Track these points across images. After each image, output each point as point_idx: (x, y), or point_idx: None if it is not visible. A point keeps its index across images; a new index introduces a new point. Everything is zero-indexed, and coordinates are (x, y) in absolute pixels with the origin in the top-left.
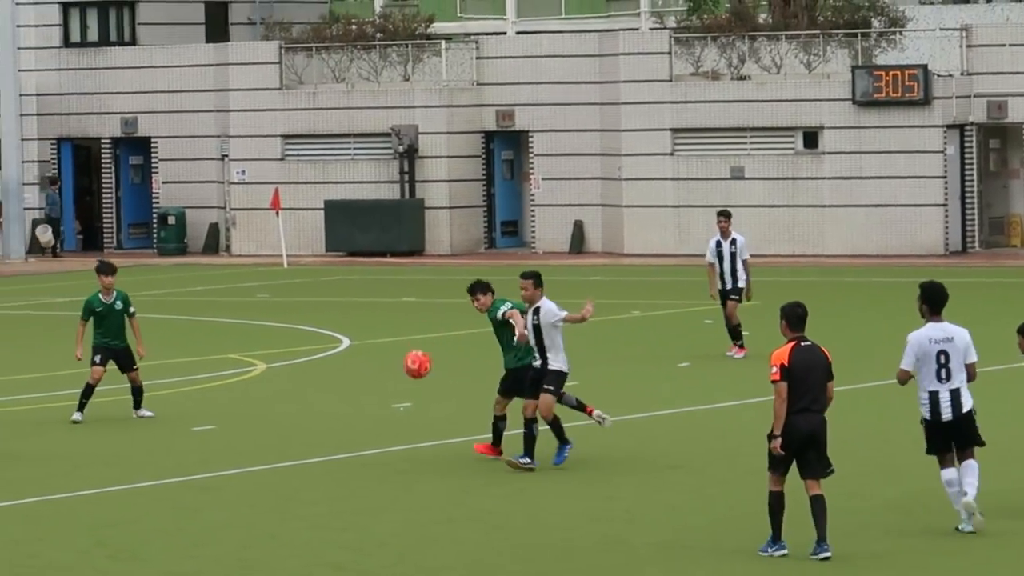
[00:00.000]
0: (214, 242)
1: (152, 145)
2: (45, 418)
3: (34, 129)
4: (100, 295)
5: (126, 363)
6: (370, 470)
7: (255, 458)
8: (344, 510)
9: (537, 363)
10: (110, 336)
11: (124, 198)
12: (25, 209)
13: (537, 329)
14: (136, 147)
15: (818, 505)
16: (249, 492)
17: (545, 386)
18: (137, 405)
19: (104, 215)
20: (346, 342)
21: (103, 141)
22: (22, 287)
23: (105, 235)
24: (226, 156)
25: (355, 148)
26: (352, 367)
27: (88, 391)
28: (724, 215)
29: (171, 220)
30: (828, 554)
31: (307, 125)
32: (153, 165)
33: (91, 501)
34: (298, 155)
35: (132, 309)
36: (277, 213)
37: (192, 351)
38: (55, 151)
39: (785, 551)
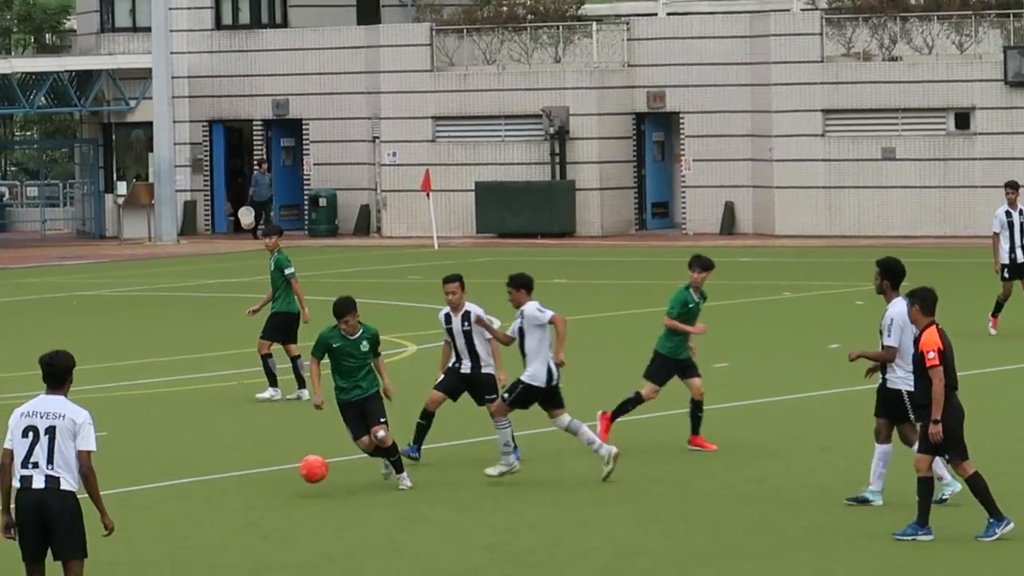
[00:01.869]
0: (365, 223)
1: (303, 127)
2: (197, 400)
3: (186, 111)
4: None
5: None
6: (522, 450)
7: (404, 440)
8: (493, 492)
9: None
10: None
11: (275, 180)
12: (177, 191)
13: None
14: (287, 129)
15: (977, 484)
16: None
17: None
18: (300, 384)
19: (250, 197)
20: (496, 323)
21: (254, 123)
22: (174, 268)
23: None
24: (377, 138)
25: (506, 130)
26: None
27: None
28: (1011, 186)
29: (322, 202)
30: (1011, 525)
31: (458, 107)
32: (304, 147)
33: (243, 482)
34: (449, 137)
35: (291, 271)
36: (428, 195)
37: None
38: (207, 133)
39: (931, 536)
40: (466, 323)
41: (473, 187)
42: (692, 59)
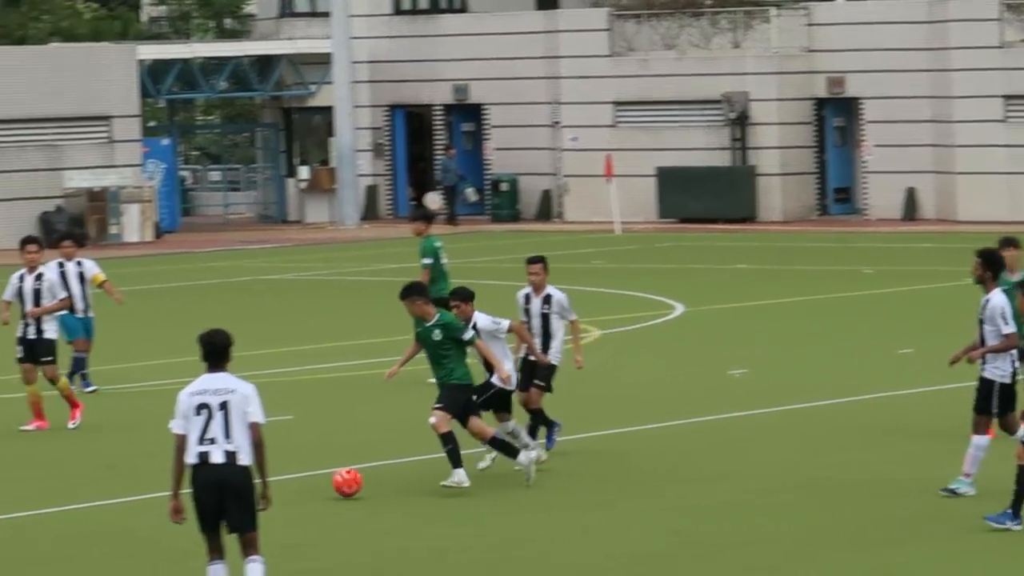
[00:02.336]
0: (546, 209)
1: (483, 112)
2: (381, 383)
3: (367, 96)
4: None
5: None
6: (704, 437)
7: (590, 424)
8: (680, 477)
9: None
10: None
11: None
12: (358, 176)
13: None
14: (468, 114)
15: None
16: (585, 458)
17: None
18: None
19: (436, 182)
20: (679, 308)
21: (435, 108)
22: (356, 253)
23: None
24: (558, 123)
25: (686, 115)
26: (686, 333)
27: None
28: None
29: (504, 187)
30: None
31: (638, 92)
32: (485, 132)
33: (427, 465)
34: (629, 122)
35: (427, 262)
36: (609, 180)
37: None
38: (388, 118)
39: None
40: (546, 305)
41: (654, 172)
42: (871, 45)
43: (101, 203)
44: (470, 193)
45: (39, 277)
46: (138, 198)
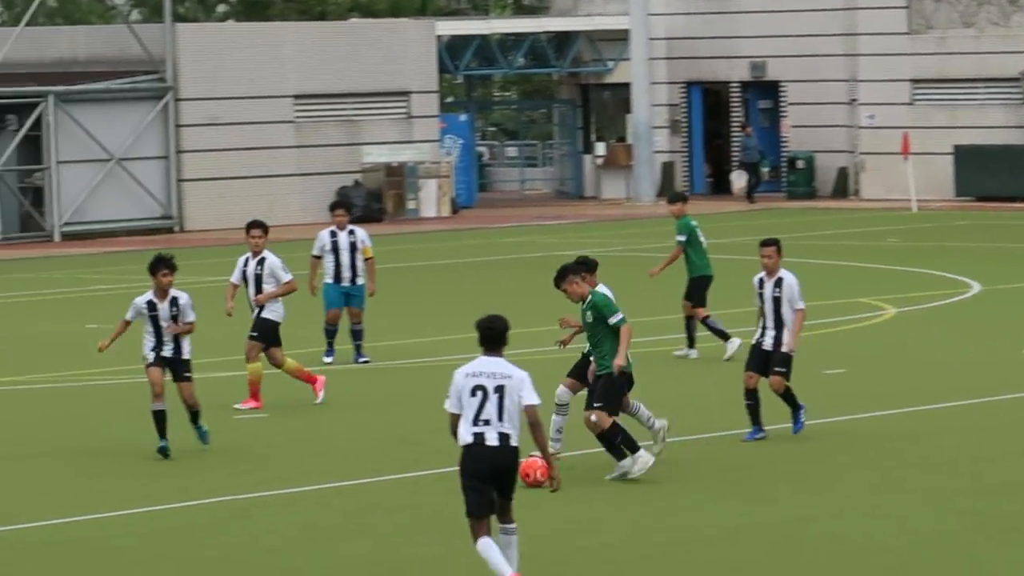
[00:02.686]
0: (842, 186)
1: (781, 89)
2: (677, 360)
3: (664, 73)
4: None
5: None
6: (1000, 416)
7: (885, 402)
8: (977, 456)
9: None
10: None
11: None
12: (655, 152)
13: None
14: (765, 91)
15: None
16: (877, 436)
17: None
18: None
19: (733, 159)
20: (976, 287)
21: (731, 85)
22: (651, 229)
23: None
24: (855, 100)
25: (984, 93)
26: (983, 312)
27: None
28: None
29: (800, 164)
30: None
31: (935, 70)
32: (782, 109)
33: (721, 442)
34: (927, 100)
35: (681, 239)
36: (906, 158)
37: (822, 295)
38: (684, 95)
39: None
40: (777, 289)
41: (951, 150)
42: None
43: (399, 178)
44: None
45: (261, 262)
46: (435, 173)
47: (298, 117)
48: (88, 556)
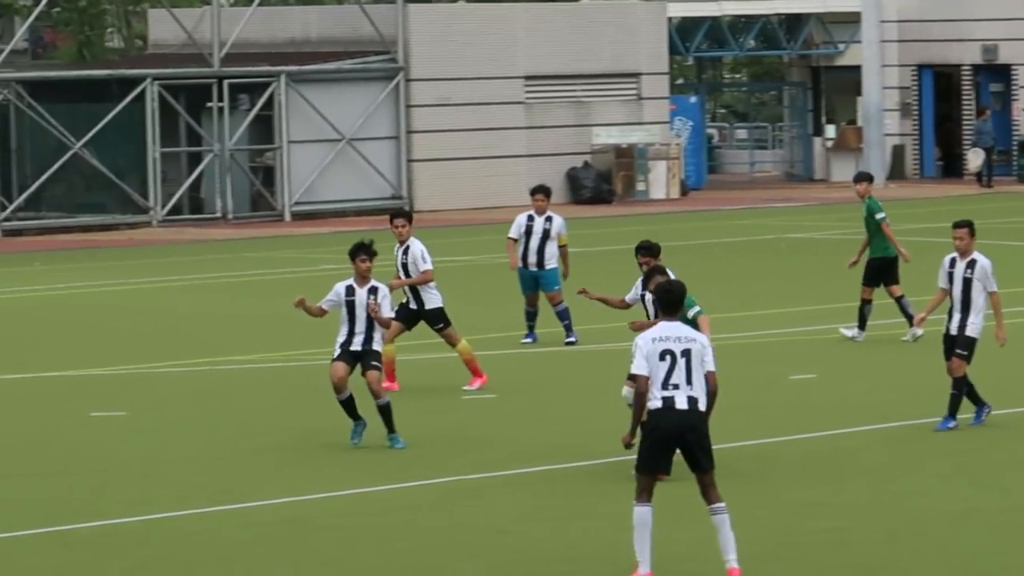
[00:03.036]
0: None
1: (1012, 72)
2: (905, 344)
3: (895, 55)
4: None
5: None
6: None
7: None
8: None
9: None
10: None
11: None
12: (885, 135)
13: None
14: (996, 74)
15: None
16: None
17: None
18: (910, 322)
19: (964, 143)
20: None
21: (963, 68)
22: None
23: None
24: None
25: None
26: None
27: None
28: None
29: None
30: None
31: None
32: (1013, 92)
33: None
34: None
35: (881, 215)
36: None
37: None
38: (915, 77)
39: None
40: (969, 270)
41: None
42: None
43: (628, 160)
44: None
45: (406, 251)
46: (665, 155)
47: (528, 98)
48: (316, 535)
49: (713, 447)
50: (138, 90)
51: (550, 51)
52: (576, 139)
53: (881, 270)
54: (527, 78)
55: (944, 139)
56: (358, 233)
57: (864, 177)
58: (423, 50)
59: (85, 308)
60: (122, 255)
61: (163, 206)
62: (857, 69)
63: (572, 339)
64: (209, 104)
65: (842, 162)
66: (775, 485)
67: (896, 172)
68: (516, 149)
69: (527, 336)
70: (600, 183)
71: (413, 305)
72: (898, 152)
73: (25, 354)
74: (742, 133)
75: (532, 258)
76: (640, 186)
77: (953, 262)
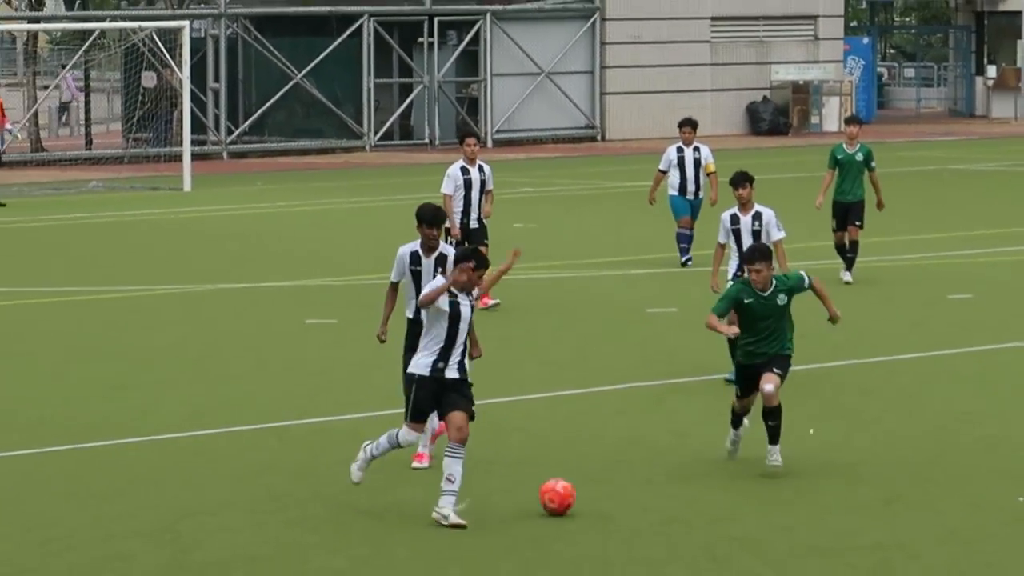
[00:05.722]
0: None
1: None
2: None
3: None
4: (844, 144)
5: (854, 216)
6: None
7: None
8: None
9: None
10: (846, 189)
11: None
12: None
13: None
14: None
15: None
16: None
17: None
18: (847, 266)
19: None
20: None
21: None
22: None
23: None
24: None
25: None
26: None
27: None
28: None
29: None
30: None
31: None
32: None
33: None
34: None
35: (872, 164)
36: None
37: None
38: None
39: None
40: None
41: None
42: None
43: (804, 95)
44: None
45: (481, 168)
46: (838, 91)
47: (714, 37)
48: (507, 436)
49: (875, 359)
50: (355, 26)
51: None
52: (756, 76)
53: (853, 212)
54: (713, 19)
55: None
56: (554, 160)
57: (857, 120)
58: None
59: (302, 224)
60: (337, 176)
61: (376, 132)
62: (1018, 15)
63: (688, 257)
64: (420, 39)
65: (1002, 100)
66: (934, 395)
67: None
68: (701, 84)
69: (683, 253)
70: (777, 116)
71: (474, 224)
72: None
73: (246, 265)
74: (910, 72)
75: (691, 187)
76: (814, 120)
77: None
